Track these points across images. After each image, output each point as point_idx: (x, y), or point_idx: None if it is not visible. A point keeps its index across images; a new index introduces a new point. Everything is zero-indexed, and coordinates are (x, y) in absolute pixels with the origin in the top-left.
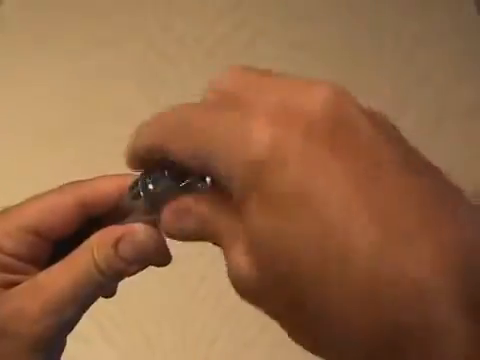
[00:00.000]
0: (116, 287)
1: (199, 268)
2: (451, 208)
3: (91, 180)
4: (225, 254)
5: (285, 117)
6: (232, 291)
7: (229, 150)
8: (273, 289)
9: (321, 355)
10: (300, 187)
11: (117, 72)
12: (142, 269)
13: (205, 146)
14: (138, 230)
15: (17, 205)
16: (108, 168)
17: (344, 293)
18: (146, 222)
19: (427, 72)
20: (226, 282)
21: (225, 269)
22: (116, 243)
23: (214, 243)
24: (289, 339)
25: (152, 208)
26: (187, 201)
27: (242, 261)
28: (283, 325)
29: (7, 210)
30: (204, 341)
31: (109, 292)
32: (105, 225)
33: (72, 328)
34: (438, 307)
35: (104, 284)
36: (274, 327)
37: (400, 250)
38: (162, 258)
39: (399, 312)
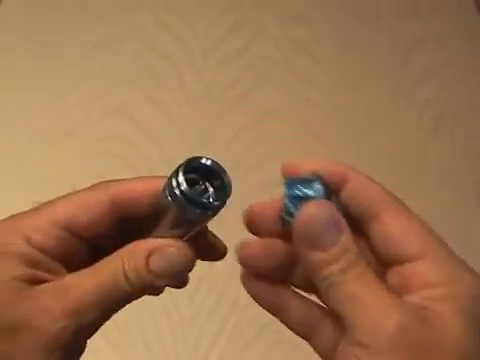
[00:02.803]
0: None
1: (198, 271)
2: None
3: (125, 180)
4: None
5: None
6: (230, 293)
7: None
8: None
9: None
10: None
11: (117, 72)
12: (168, 285)
13: None
14: (172, 245)
15: (49, 201)
16: (108, 168)
17: None
18: (179, 237)
19: (427, 72)
20: (224, 285)
21: (223, 272)
22: (148, 255)
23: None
24: (286, 341)
25: (183, 210)
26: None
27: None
28: None
29: (39, 206)
30: (203, 343)
31: (181, 282)
32: (140, 233)
33: (94, 332)
34: None
35: (130, 294)
36: (271, 329)
37: None
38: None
39: None
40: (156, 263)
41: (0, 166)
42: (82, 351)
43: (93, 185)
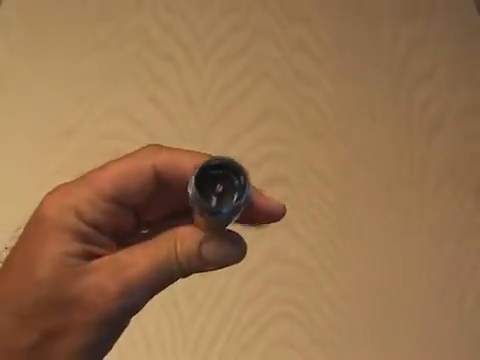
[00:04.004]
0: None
1: None
2: None
3: (174, 150)
4: None
5: None
6: (230, 292)
7: None
8: None
9: None
10: None
11: (117, 72)
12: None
13: None
14: (226, 238)
15: (94, 171)
16: None
17: None
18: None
19: (427, 72)
20: (224, 284)
21: (223, 271)
22: (201, 242)
23: None
24: (285, 341)
25: (203, 218)
26: None
27: None
28: None
29: (85, 176)
30: (203, 342)
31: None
32: (182, 202)
33: (138, 311)
34: None
35: (177, 276)
36: (271, 329)
37: None
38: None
39: None
40: (208, 251)
41: (0, 165)
42: (125, 327)
43: (141, 148)
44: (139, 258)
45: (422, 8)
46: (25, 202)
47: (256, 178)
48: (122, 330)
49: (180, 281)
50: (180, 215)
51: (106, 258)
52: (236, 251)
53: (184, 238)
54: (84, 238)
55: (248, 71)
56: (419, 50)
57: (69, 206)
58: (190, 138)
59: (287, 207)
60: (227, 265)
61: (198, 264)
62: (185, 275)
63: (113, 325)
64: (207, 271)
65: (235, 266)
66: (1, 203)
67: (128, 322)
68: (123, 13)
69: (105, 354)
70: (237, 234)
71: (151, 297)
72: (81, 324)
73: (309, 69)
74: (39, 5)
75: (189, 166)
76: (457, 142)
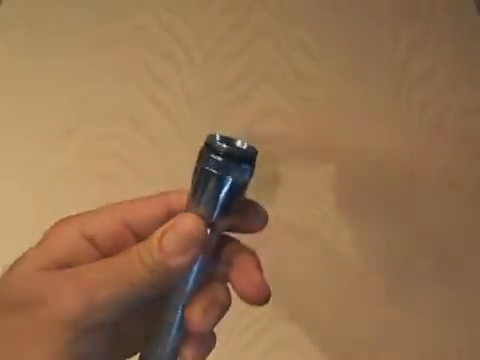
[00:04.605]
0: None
1: None
2: None
3: (179, 190)
4: None
5: None
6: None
7: None
8: None
9: None
10: None
11: (117, 72)
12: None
13: None
14: (181, 217)
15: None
16: (108, 168)
17: None
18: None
19: (427, 72)
20: None
21: None
22: (162, 235)
23: None
24: (283, 344)
25: (230, 168)
26: None
27: None
28: None
29: (102, 206)
30: None
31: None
32: None
33: (112, 318)
34: None
35: (151, 282)
36: (271, 329)
37: None
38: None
39: None
40: (167, 240)
41: (0, 166)
42: (112, 339)
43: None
44: (101, 263)
45: (422, 9)
46: (25, 203)
47: (256, 178)
48: (102, 342)
49: None
50: None
51: (77, 268)
52: (196, 231)
53: (147, 239)
54: (77, 253)
55: (248, 71)
56: (419, 50)
57: (76, 224)
58: (190, 138)
59: (287, 207)
60: (190, 251)
61: (161, 257)
62: (161, 277)
63: (78, 327)
64: (181, 267)
65: None
66: (1, 204)
67: (113, 336)
68: (123, 13)
69: None
70: (194, 215)
71: (128, 308)
72: (42, 326)
73: (309, 69)
74: (39, 5)
75: None
76: (457, 142)
